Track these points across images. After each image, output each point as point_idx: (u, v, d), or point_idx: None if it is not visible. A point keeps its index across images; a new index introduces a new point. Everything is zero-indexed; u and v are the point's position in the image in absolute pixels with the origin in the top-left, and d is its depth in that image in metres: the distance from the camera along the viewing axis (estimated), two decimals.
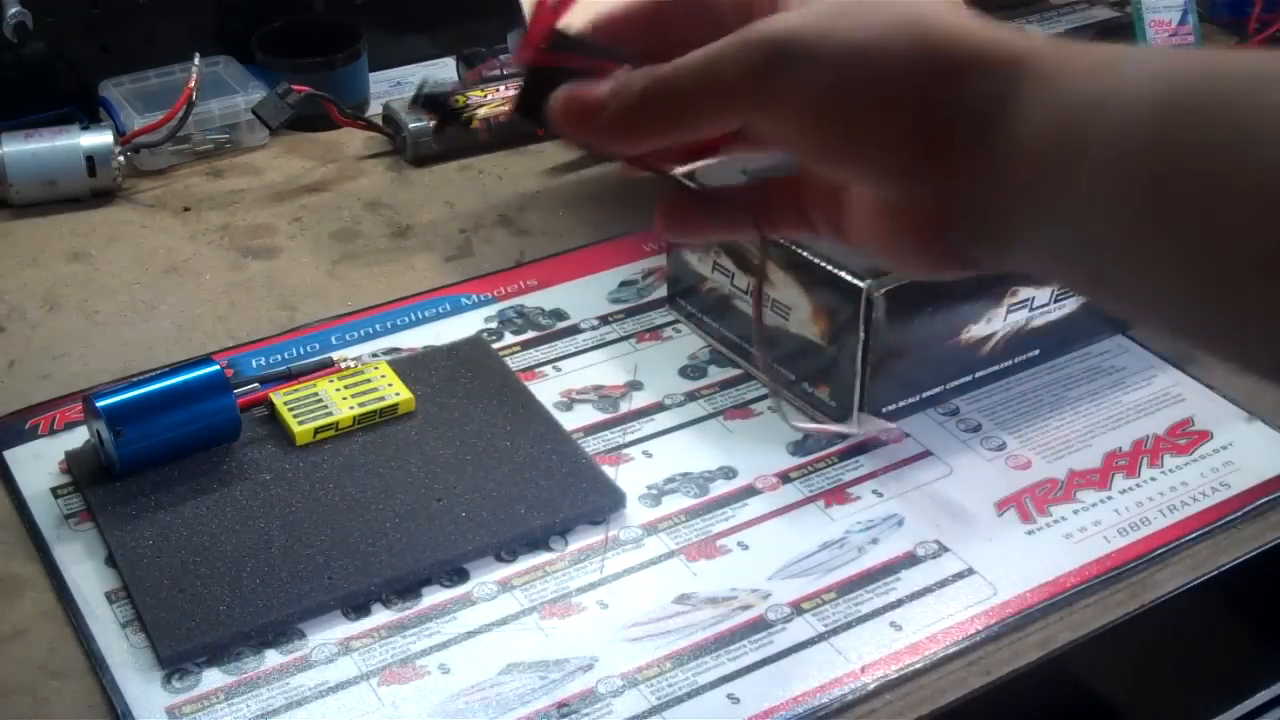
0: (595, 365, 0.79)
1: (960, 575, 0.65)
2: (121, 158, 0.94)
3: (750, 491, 0.70)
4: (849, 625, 0.63)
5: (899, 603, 0.64)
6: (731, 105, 0.41)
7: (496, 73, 1.06)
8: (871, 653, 0.62)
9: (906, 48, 0.39)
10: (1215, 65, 0.36)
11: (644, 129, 0.42)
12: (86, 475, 0.69)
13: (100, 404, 0.68)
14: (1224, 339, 0.37)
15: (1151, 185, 0.35)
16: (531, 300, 0.84)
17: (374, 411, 0.72)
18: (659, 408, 0.76)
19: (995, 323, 0.75)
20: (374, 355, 0.79)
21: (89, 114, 0.99)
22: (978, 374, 0.76)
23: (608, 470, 0.70)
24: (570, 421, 0.74)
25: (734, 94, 0.40)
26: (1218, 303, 0.35)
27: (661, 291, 0.84)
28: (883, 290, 0.69)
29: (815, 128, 0.40)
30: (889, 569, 0.66)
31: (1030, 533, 0.68)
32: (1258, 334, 0.35)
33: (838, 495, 0.70)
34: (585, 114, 0.43)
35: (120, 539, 0.66)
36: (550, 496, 0.68)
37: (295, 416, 0.71)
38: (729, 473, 0.71)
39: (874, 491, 0.70)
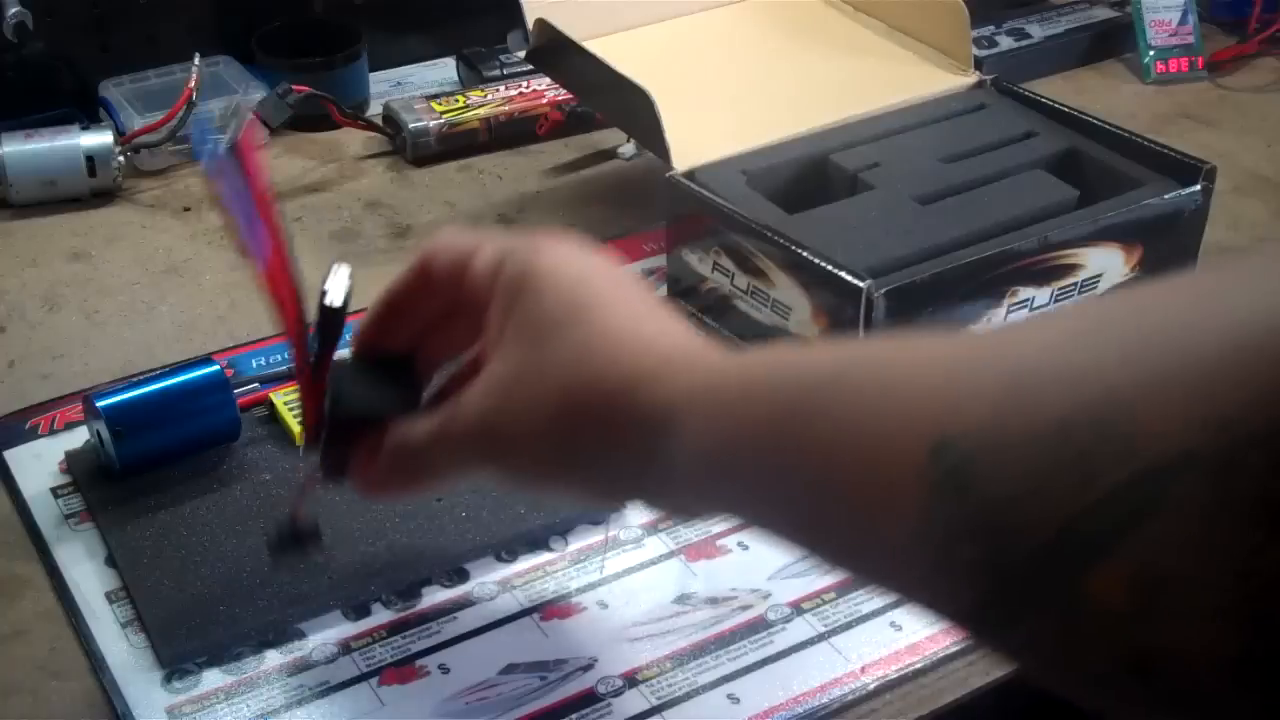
0: None
1: None
2: (121, 158, 0.94)
3: None
4: (849, 625, 0.63)
5: (900, 602, 0.64)
6: (470, 464, 0.54)
7: (496, 73, 1.06)
8: (871, 653, 0.62)
9: (566, 424, 0.48)
10: (817, 373, 0.42)
11: (420, 484, 0.56)
12: (86, 475, 0.69)
13: (100, 404, 0.68)
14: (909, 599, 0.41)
15: (788, 493, 0.42)
16: None
17: None
18: None
19: (996, 322, 0.75)
20: None
21: (89, 114, 0.98)
22: None
23: None
24: None
25: (467, 459, 0.53)
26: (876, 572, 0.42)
27: (661, 291, 0.84)
28: (883, 290, 0.69)
29: (523, 482, 0.55)
30: None
31: None
32: (919, 599, 0.40)
33: None
34: (375, 485, 0.56)
35: (120, 539, 0.65)
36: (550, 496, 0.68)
37: (295, 416, 0.71)
38: None
39: None
